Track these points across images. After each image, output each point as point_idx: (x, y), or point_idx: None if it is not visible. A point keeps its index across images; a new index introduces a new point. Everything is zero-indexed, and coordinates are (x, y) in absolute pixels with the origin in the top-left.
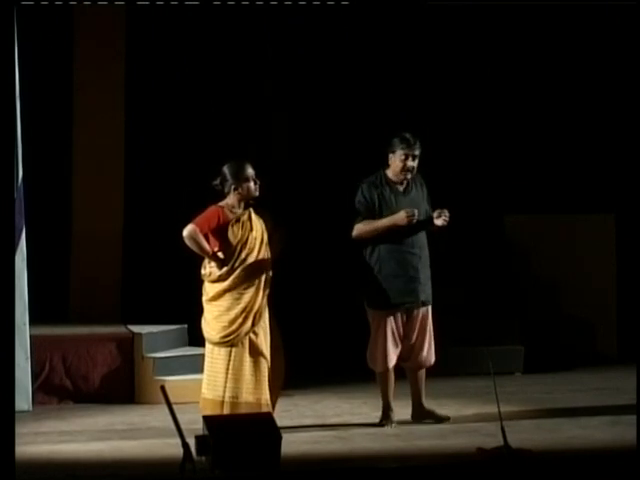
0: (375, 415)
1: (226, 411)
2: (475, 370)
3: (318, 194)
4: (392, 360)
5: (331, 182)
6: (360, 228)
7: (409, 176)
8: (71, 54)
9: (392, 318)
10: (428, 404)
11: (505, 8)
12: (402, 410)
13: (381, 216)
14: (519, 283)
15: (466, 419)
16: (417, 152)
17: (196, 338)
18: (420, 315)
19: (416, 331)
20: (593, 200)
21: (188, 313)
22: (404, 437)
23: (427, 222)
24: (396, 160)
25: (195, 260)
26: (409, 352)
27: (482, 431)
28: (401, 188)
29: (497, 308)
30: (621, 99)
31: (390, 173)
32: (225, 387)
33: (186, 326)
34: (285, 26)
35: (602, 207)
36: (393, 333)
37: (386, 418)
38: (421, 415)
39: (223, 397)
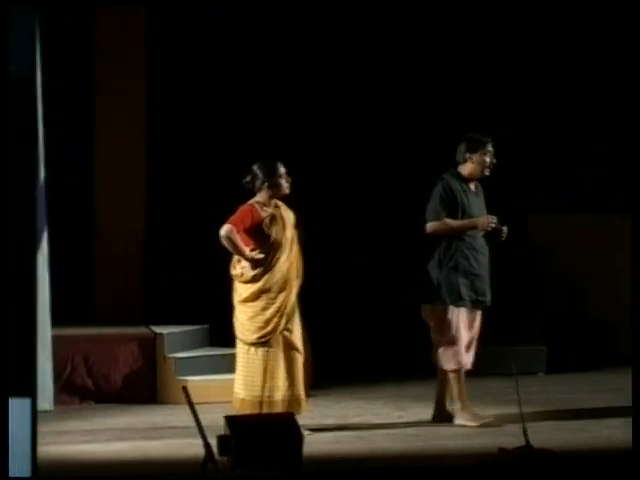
0: (396, 415)
1: (265, 410)
2: (497, 370)
3: (348, 193)
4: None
5: (362, 181)
6: (438, 226)
7: (488, 173)
8: (93, 53)
9: (466, 315)
10: (450, 405)
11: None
12: (424, 410)
13: (463, 212)
14: (542, 283)
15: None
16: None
17: (218, 338)
18: (479, 317)
19: (472, 333)
20: (616, 200)
21: (210, 313)
22: (425, 437)
23: (497, 230)
24: (478, 158)
25: (218, 260)
26: None
27: (504, 431)
28: (472, 188)
29: (520, 308)
30: None
31: (465, 172)
32: (264, 387)
33: (208, 326)
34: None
35: (625, 207)
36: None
37: (477, 418)
38: (444, 417)
39: (262, 397)
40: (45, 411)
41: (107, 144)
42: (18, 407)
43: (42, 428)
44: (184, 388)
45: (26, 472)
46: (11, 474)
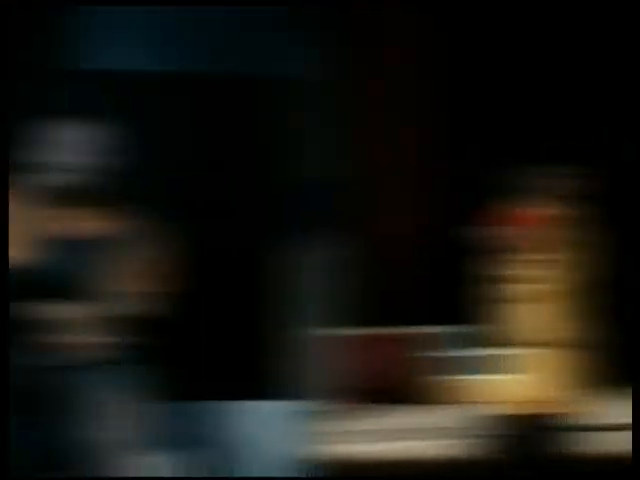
0: None
1: (538, 411)
2: None
3: None
4: None
5: None
6: None
7: None
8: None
9: None
10: None
11: None
12: None
13: None
14: None
15: None
16: None
17: (485, 338)
18: None
19: None
20: None
21: (477, 313)
22: None
23: None
24: None
25: (487, 260)
26: None
27: None
28: None
29: None
30: None
31: None
32: (538, 387)
33: (476, 326)
34: None
35: None
36: None
37: None
38: None
39: (537, 397)
40: (315, 412)
41: (376, 145)
42: (271, 409)
43: (312, 428)
44: (452, 388)
45: (283, 473)
46: (264, 474)
